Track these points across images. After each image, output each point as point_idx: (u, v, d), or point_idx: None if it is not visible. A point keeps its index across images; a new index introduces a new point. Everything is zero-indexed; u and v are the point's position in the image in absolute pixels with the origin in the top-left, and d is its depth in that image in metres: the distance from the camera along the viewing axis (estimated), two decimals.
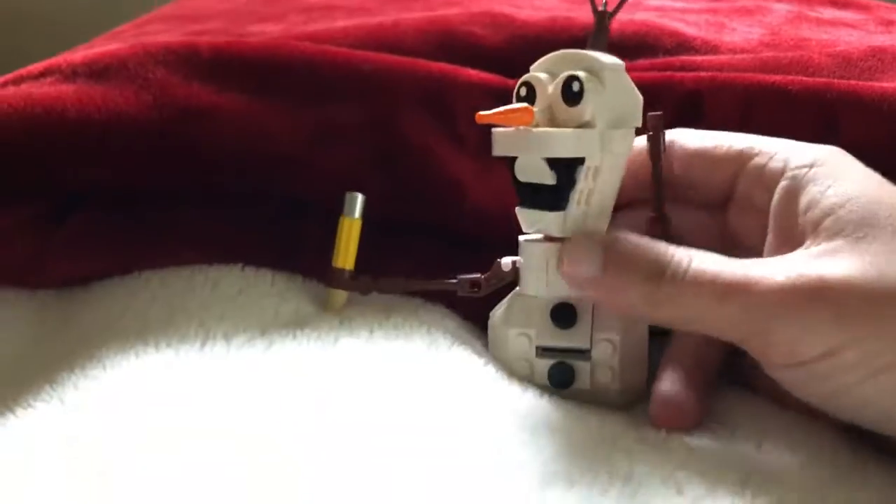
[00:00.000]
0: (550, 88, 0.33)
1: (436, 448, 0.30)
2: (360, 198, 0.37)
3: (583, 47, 0.34)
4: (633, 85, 0.34)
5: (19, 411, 0.32)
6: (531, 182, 0.33)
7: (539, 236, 0.35)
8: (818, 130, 0.38)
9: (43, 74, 0.40)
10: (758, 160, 0.33)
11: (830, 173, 0.31)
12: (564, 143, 0.32)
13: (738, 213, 0.35)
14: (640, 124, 0.34)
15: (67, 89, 0.38)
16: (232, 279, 0.38)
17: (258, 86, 0.39)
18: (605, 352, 0.34)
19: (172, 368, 0.33)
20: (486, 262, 0.37)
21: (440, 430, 0.31)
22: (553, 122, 0.33)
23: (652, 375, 0.35)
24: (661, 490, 0.29)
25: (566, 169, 0.33)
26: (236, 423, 0.31)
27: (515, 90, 0.34)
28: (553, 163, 0.33)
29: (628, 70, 0.34)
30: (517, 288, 0.36)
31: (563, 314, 0.34)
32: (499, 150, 0.34)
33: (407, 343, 0.36)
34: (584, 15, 0.43)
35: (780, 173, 0.32)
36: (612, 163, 0.33)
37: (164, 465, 0.29)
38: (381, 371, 0.34)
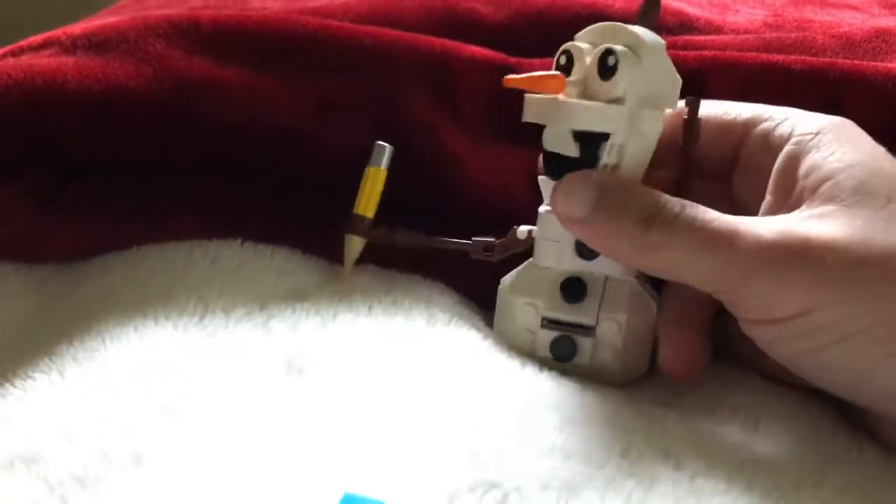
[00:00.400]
0: (588, 59, 0.33)
1: (434, 421, 0.30)
2: (387, 149, 0.37)
3: (588, 26, 0.34)
4: (672, 67, 0.33)
5: (18, 383, 0.32)
6: (556, 152, 0.33)
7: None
8: (821, 110, 0.38)
9: (43, 46, 0.40)
10: (766, 125, 0.33)
11: (835, 140, 0.31)
12: (590, 115, 0.32)
13: (743, 177, 0.35)
14: (674, 107, 0.34)
15: (67, 61, 0.38)
16: (231, 253, 0.38)
17: (259, 60, 0.39)
18: (609, 331, 0.34)
19: (172, 342, 0.33)
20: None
21: (438, 403, 0.31)
22: (585, 94, 0.33)
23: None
24: (659, 464, 0.29)
25: (590, 143, 0.32)
26: (235, 397, 0.31)
27: (556, 58, 0.34)
28: (578, 135, 0.32)
29: None
30: (531, 258, 0.35)
31: (573, 288, 0.34)
32: (528, 116, 0.33)
33: (406, 319, 0.36)
34: None
35: (787, 138, 0.32)
36: (638, 141, 0.33)
37: (163, 438, 0.29)
38: (380, 346, 0.34)
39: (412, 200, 0.40)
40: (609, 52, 0.32)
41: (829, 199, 0.30)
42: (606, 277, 0.35)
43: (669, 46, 0.43)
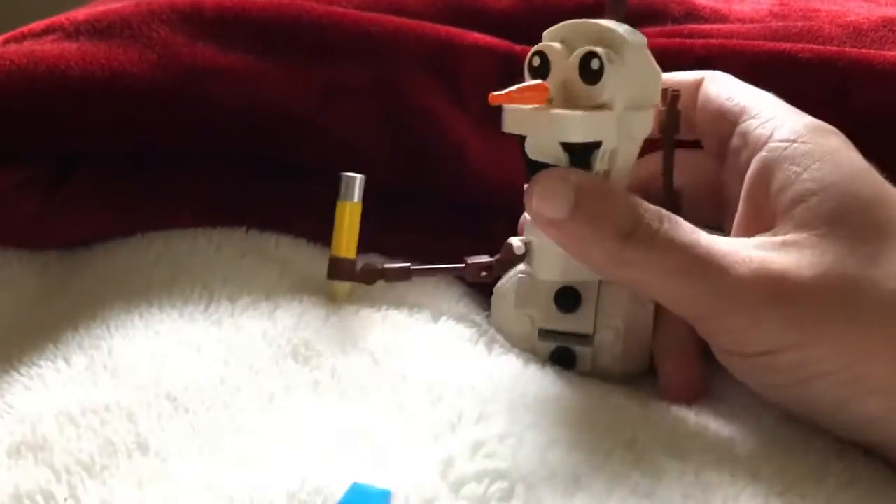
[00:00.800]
0: (567, 61, 0.31)
1: (439, 412, 0.30)
2: (358, 179, 0.35)
3: (591, 14, 0.33)
4: (653, 60, 0.32)
5: (24, 370, 0.32)
6: (543, 162, 0.32)
7: None
8: (828, 98, 0.38)
9: (45, 32, 0.39)
10: (749, 122, 0.32)
11: (810, 153, 0.30)
12: (581, 127, 0.30)
13: (728, 171, 0.34)
14: (658, 101, 0.33)
15: (70, 47, 0.37)
16: (236, 241, 0.38)
17: (263, 46, 0.39)
18: (608, 338, 0.34)
19: (177, 330, 0.33)
20: (489, 229, 0.37)
21: (444, 395, 0.31)
22: (569, 99, 0.31)
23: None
24: (665, 457, 0.29)
25: (581, 152, 0.31)
26: (241, 386, 0.31)
27: (528, 60, 0.32)
28: (567, 145, 0.31)
29: None
30: (522, 265, 0.34)
31: (567, 298, 0.34)
32: (510, 127, 0.32)
33: (411, 311, 0.36)
34: None
35: (763, 142, 0.31)
36: (630, 145, 0.32)
37: (169, 426, 0.29)
38: (386, 338, 0.34)
39: (415, 188, 0.40)
40: (592, 54, 0.30)
41: (802, 225, 0.29)
42: (600, 282, 0.34)
43: (675, 35, 0.43)
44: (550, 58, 0.32)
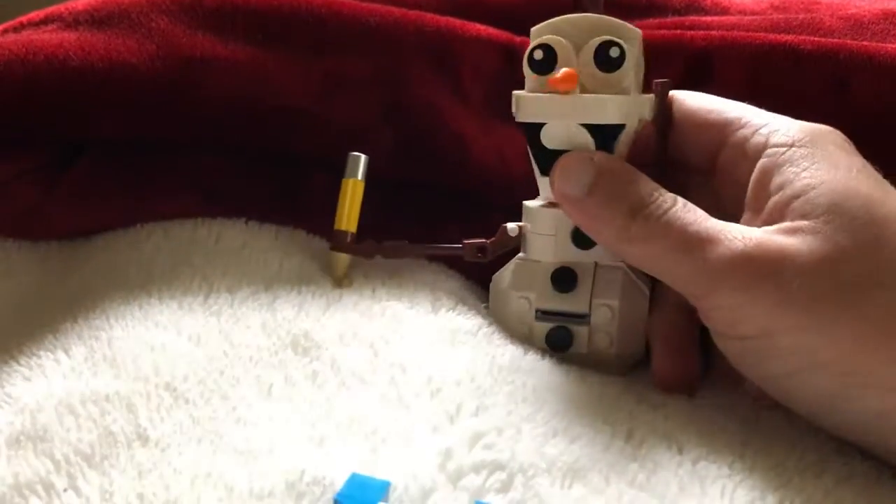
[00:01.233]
0: (580, 53, 0.32)
1: (438, 404, 0.30)
2: (362, 158, 0.37)
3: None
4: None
5: (24, 360, 0.32)
6: (560, 150, 0.33)
7: (539, 203, 0.35)
8: (829, 91, 0.38)
9: (44, 22, 0.39)
10: (743, 132, 0.33)
11: (809, 155, 0.30)
12: (616, 109, 0.32)
13: (721, 181, 0.34)
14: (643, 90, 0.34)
15: (69, 37, 0.37)
16: (236, 232, 0.38)
17: (263, 37, 0.39)
18: (603, 317, 0.34)
19: (177, 321, 0.33)
20: (488, 220, 0.37)
21: (442, 386, 0.31)
22: (583, 88, 0.33)
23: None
24: (663, 449, 0.29)
25: (607, 136, 0.32)
26: (240, 377, 0.31)
27: (528, 54, 0.33)
28: (595, 129, 0.32)
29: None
30: (521, 253, 0.35)
31: (564, 278, 0.34)
32: (529, 115, 0.33)
33: (411, 301, 0.36)
34: None
35: (761, 150, 0.32)
36: (637, 128, 0.33)
37: (169, 417, 0.29)
38: (385, 329, 0.34)
39: (415, 178, 0.40)
40: (611, 43, 0.32)
41: (801, 216, 0.29)
42: (596, 265, 0.35)
43: (676, 26, 0.43)
44: (558, 50, 0.33)
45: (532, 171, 0.35)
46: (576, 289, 0.34)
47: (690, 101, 0.35)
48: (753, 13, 0.46)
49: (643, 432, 0.30)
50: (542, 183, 0.34)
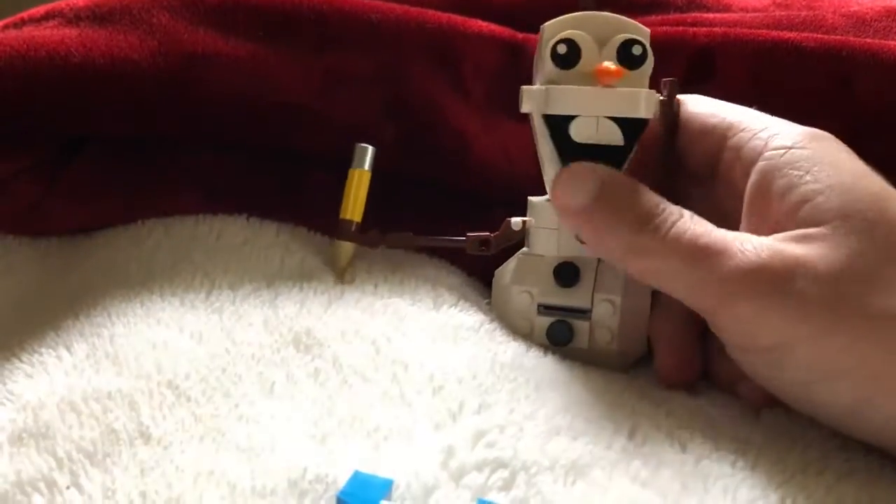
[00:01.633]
0: (603, 50, 0.33)
1: (440, 401, 0.30)
2: (370, 150, 0.37)
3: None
4: None
5: (25, 357, 0.32)
6: (595, 143, 0.33)
7: (545, 199, 0.35)
8: (831, 88, 0.38)
9: (45, 18, 0.39)
10: (741, 136, 0.32)
11: (810, 157, 0.30)
12: (647, 103, 0.33)
13: (721, 187, 0.34)
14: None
15: (71, 33, 0.37)
16: (237, 229, 0.38)
17: (265, 33, 0.38)
18: (605, 312, 0.34)
19: (178, 318, 0.33)
20: (490, 217, 0.37)
21: (445, 384, 0.31)
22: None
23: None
24: (665, 446, 0.29)
25: (635, 130, 0.33)
26: (242, 374, 0.31)
27: (552, 47, 0.33)
28: (626, 124, 0.33)
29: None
30: (524, 248, 0.36)
31: (566, 272, 0.34)
32: (560, 108, 0.33)
33: (412, 298, 0.36)
34: None
35: (759, 153, 0.31)
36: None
37: (171, 414, 0.29)
38: (387, 326, 0.34)
39: (417, 176, 0.40)
40: (633, 41, 0.32)
41: (811, 223, 0.29)
42: (599, 260, 0.35)
43: (679, 23, 0.43)
44: (581, 45, 0.33)
45: (538, 167, 0.35)
46: (578, 283, 0.34)
47: (692, 105, 0.34)
48: (755, 10, 0.46)
49: (646, 429, 0.30)
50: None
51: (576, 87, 0.33)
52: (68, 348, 0.32)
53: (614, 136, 0.33)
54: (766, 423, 0.32)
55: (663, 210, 0.30)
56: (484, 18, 0.42)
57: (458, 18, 0.41)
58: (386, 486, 0.25)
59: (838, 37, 0.40)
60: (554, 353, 0.34)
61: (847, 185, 0.29)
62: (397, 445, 0.28)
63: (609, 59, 0.33)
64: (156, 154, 0.39)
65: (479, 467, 0.27)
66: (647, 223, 0.30)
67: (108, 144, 0.39)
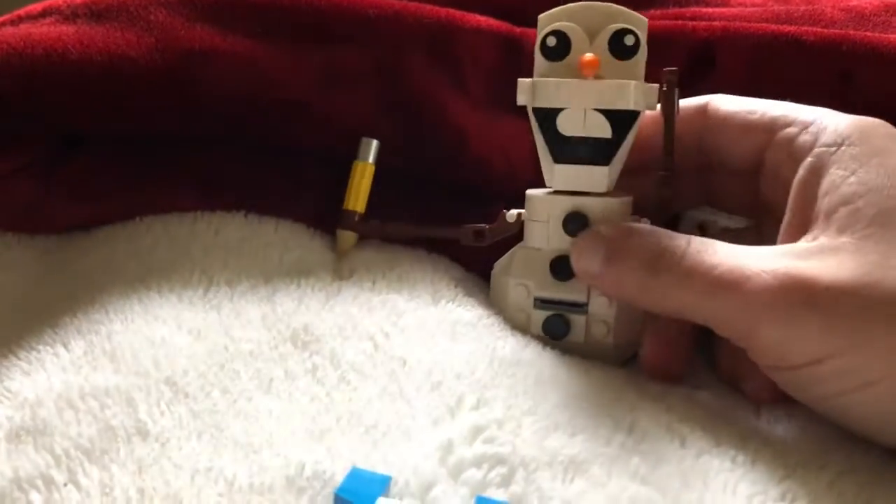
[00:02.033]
0: (594, 41, 0.32)
1: (439, 397, 0.30)
2: (374, 143, 0.38)
3: None
4: None
5: (23, 355, 0.31)
6: (583, 136, 0.33)
7: (543, 193, 0.35)
8: (832, 82, 0.38)
9: (42, 15, 0.39)
10: (789, 130, 0.32)
11: (859, 155, 0.29)
12: (635, 95, 0.32)
13: (767, 182, 0.34)
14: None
15: (68, 30, 0.37)
16: (235, 226, 0.37)
17: (263, 29, 0.38)
18: (601, 306, 0.34)
19: (176, 314, 0.33)
20: (489, 211, 0.37)
21: (443, 379, 0.31)
22: (597, 76, 0.33)
23: None
24: (665, 442, 0.29)
25: (624, 122, 0.32)
26: (241, 370, 0.31)
27: (541, 40, 0.33)
28: (614, 116, 0.32)
29: None
30: (522, 241, 0.36)
31: (563, 266, 0.34)
32: (547, 101, 0.33)
33: (411, 293, 0.35)
34: None
35: (809, 148, 0.31)
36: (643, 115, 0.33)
37: (169, 411, 0.29)
38: (385, 321, 0.34)
39: (415, 171, 0.40)
40: (626, 31, 0.32)
41: (844, 228, 0.28)
42: None
43: (678, 17, 0.43)
44: (571, 37, 0.33)
45: (537, 159, 0.35)
46: (574, 277, 0.34)
47: (728, 104, 0.34)
48: (755, 4, 0.46)
49: (645, 425, 0.30)
50: (551, 171, 0.34)
51: (560, 79, 0.32)
52: (66, 345, 0.32)
53: (603, 129, 0.33)
54: (767, 418, 0.31)
55: (668, 244, 0.30)
56: (482, 13, 0.42)
57: (456, 13, 0.41)
58: (384, 483, 0.25)
59: (838, 30, 0.40)
60: (553, 348, 0.34)
61: (889, 191, 0.28)
62: (395, 441, 0.28)
63: (600, 51, 0.32)
64: (154, 151, 0.39)
65: (477, 463, 0.27)
66: (658, 261, 0.30)
67: (106, 142, 0.38)
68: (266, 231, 0.38)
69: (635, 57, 0.32)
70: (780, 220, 0.32)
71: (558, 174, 0.34)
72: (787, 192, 0.32)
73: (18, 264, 0.37)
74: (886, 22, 0.43)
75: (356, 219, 0.38)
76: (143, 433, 0.28)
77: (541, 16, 0.34)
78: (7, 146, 0.37)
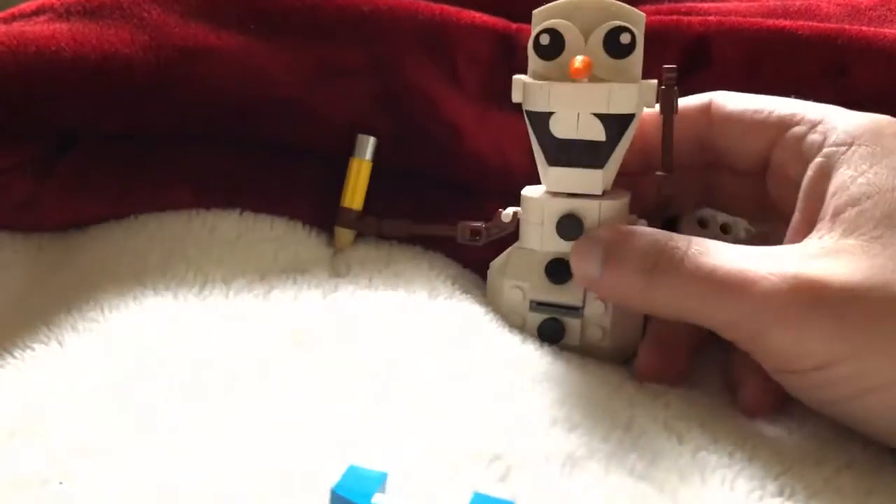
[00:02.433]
0: (589, 39, 0.31)
1: (436, 394, 0.30)
2: (371, 140, 0.38)
3: None
4: None
5: (17, 353, 0.31)
6: (577, 139, 0.32)
7: (540, 190, 0.34)
8: (828, 76, 0.38)
9: (36, 13, 0.39)
10: (797, 129, 0.32)
11: (868, 156, 0.29)
12: (629, 99, 0.31)
13: (775, 181, 0.33)
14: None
15: (61, 28, 0.37)
16: (230, 223, 0.37)
17: (256, 25, 0.38)
18: (597, 310, 0.34)
19: (172, 312, 0.33)
20: (485, 208, 0.37)
21: (440, 376, 0.31)
22: (592, 75, 0.31)
23: None
24: (662, 438, 0.29)
25: (619, 125, 0.32)
26: (237, 368, 0.30)
27: (534, 38, 0.32)
28: (606, 118, 0.32)
29: None
30: (518, 241, 0.35)
31: (558, 270, 0.34)
32: (538, 104, 0.32)
33: (407, 291, 0.35)
34: None
35: (818, 148, 0.30)
36: (640, 116, 0.32)
37: (164, 408, 0.29)
38: (382, 318, 0.34)
39: (410, 168, 0.40)
40: (622, 29, 0.31)
41: (853, 229, 0.28)
42: None
43: (673, 13, 0.43)
44: (565, 35, 0.32)
45: (532, 159, 0.34)
46: (570, 280, 0.34)
47: (732, 102, 0.34)
48: None
49: (643, 421, 0.30)
50: (546, 173, 0.33)
51: (551, 83, 0.32)
52: (60, 343, 0.31)
53: (597, 132, 0.32)
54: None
55: (667, 245, 0.30)
56: (477, 9, 0.42)
57: (451, 9, 0.41)
58: (381, 479, 0.25)
59: (834, 25, 0.40)
60: (550, 345, 0.34)
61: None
62: (392, 438, 0.28)
63: (595, 49, 0.31)
64: (149, 148, 0.38)
65: (474, 460, 0.27)
66: (657, 264, 0.30)
67: (101, 139, 0.38)
68: (261, 228, 0.38)
69: (632, 55, 0.31)
70: (787, 220, 0.32)
71: (552, 176, 0.33)
72: (795, 192, 0.31)
73: (13, 262, 0.37)
74: (882, 16, 0.43)
75: (353, 216, 0.38)
76: (139, 431, 0.28)
77: (535, 11, 0.33)
78: (1, 144, 0.37)
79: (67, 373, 0.30)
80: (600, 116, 0.32)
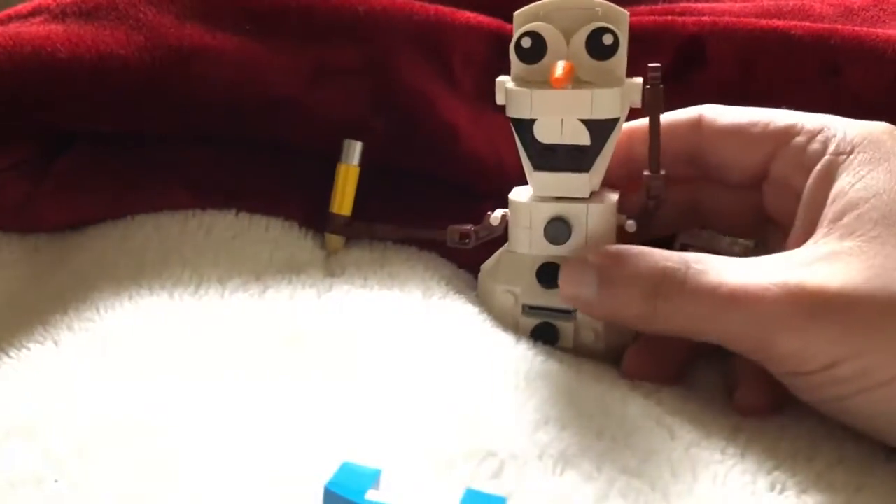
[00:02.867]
0: (571, 41, 0.31)
1: (430, 392, 0.30)
2: (358, 145, 0.38)
3: None
4: None
5: (13, 352, 0.31)
6: (560, 144, 0.32)
7: (528, 193, 0.34)
8: (821, 76, 0.38)
9: (32, 14, 0.39)
10: (798, 140, 0.32)
11: (868, 161, 0.29)
12: (613, 103, 0.31)
13: (774, 191, 0.33)
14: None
15: (57, 29, 0.37)
16: (226, 224, 0.37)
17: (252, 26, 0.38)
18: None
19: (167, 312, 0.33)
20: (480, 209, 0.37)
21: (434, 374, 0.31)
22: (575, 78, 0.31)
23: None
24: (655, 435, 0.29)
25: (603, 129, 0.31)
26: (232, 367, 0.31)
27: (516, 41, 0.32)
28: (590, 123, 0.31)
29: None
30: (507, 244, 0.35)
31: (549, 273, 0.33)
32: (521, 111, 0.31)
33: (401, 291, 0.36)
34: None
35: (819, 157, 0.31)
36: (625, 119, 0.32)
37: (160, 408, 0.29)
38: (376, 318, 0.34)
39: (405, 168, 0.40)
40: (604, 30, 0.31)
41: (850, 232, 0.28)
42: None
43: (668, 13, 0.43)
44: (547, 38, 0.31)
45: (521, 162, 0.34)
46: None
47: (724, 116, 0.34)
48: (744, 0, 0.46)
49: (635, 418, 0.30)
50: (533, 177, 0.33)
51: (533, 90, 0.31)
52: (56, 342, 0.32)
53: (581, 137, 0.31)
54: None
55: (668, 268, 0.30)
56: (472, 9, 0.42)
57: (446, 9, 0.41)
58: (374, 476, 0.25)
59: (827, 25, 0.40)
60: (543, 344, 0.34)
61: (894, 194, 0.28)
62: (386, 436, 0.28)
63: (577, 51, 0.31)
64: (144, 149, 0.39)
65: (467, 457, 0.27)
66: (659, 289, 0.29)
67: (97, 140, 0.38)
68: (257, 229, 0.38)
69: (615, 56, 0.31)
70: (786, 231, 0.32)
71: (538, 181, 0.33)
72: (796, 203, 0.31)
73: (10, 262, 0.37)
74: (875, 17, 0.43)
75: (342, 221, 0.38)
76: (135, 430, 0.28)
77: (516, 13, 0.32)
78: None
79: (63, 372, 0.30)
80: (584, 121, 0.31)
